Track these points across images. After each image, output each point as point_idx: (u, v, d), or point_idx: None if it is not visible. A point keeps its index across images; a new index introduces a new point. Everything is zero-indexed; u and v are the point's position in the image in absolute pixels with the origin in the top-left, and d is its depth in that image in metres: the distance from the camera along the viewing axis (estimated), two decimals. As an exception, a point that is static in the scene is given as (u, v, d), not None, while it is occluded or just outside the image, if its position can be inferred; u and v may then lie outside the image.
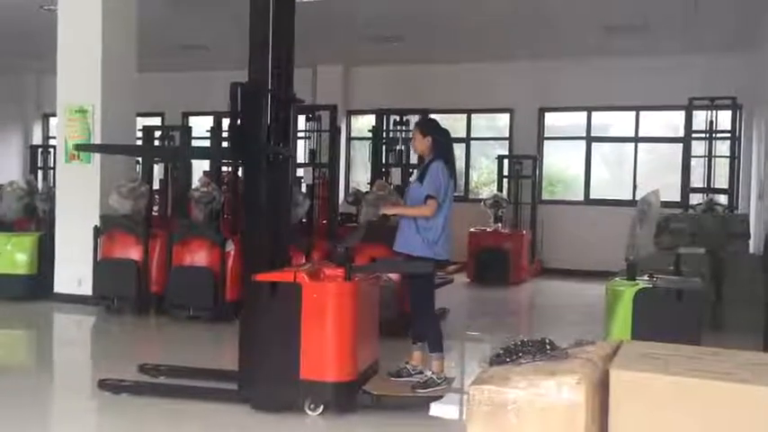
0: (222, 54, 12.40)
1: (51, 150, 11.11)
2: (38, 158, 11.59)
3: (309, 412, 4.34)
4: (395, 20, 9.86)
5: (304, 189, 8.15)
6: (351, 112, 13.36)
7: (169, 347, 6.61)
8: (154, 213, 8.30)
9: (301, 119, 8.29)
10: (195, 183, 8.21)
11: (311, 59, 12.71)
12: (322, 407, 4.35)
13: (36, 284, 8.11)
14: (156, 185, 8.49)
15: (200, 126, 10.75)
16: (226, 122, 8.59)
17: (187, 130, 8.89)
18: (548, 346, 2.70)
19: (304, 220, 7.74)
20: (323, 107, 8.41)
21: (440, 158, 4.87)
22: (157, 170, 8.71)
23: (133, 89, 8.42)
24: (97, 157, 7.95)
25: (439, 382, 4.76)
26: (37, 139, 15.07)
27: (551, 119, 12.48)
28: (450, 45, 11.25)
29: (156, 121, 13.11)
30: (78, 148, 7.77)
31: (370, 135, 9.69)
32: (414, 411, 4.64)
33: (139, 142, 8.66)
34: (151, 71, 10.56)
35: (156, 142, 8.71)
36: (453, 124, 13.28)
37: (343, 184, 11.54)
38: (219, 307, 7.19)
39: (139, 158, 8.89)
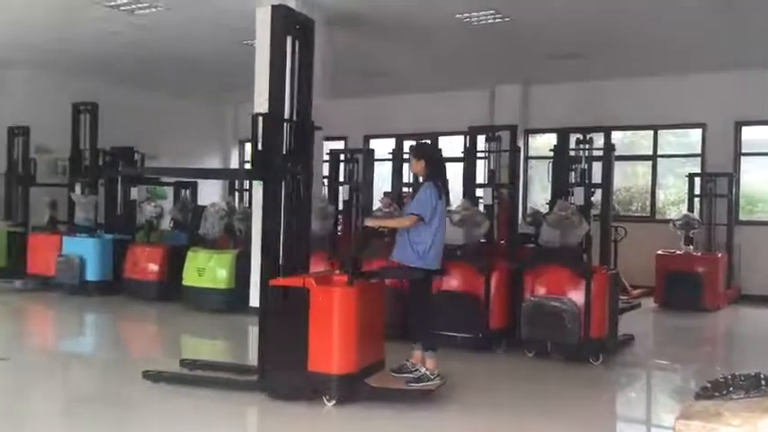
0: (402, 79, 12.80)
1: (247, 173, 11.98)
2: (235, 181, 12.54)
3: (327, 403, 4.90)
4: (577, 36, 9.63)
5: (482, 209, 8.13)
6: (529, 131, 13.18)
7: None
8: (339, 233, 8.67)
9: (480, 139, 8.30)
10: (377, 203, 8.51)
11: (489, 80, 12.76)
12: (336, 398, 4.88)
13: (233, 298, 8.75)
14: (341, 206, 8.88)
15: (382, 148, 11.09)
16: (407, 144, 8.90)
17: (369, 153, 9.21)
18: (763, 382, 2.47)
19: (483, 240, 7.71)
20: (502, 127, 8.38)
21: (430, 180, 5.39)
22: (342, 191, 9.12)
23: (319, 116, 8.86)
24: (288, 179, 8.45)
25: (432, 378, 5.25)
26: (234, 163, 16.36)
27: (749, 133, 11.51)
28: (636, 59, 10.78)
29: (340, 144, 13.73)
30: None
31: (548, 154, 9.48)
32: (413, 404, 5.09)
33: (326, 165, 9.11)
34: (335, 97, 11.10)
35: (342, 165, 9.13)
36: (638, 141, 12.70)
37: (520, 204, 11.38)
38: (402, 325, 7.33)
39: (324, 180, 9.33)
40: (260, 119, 5.20)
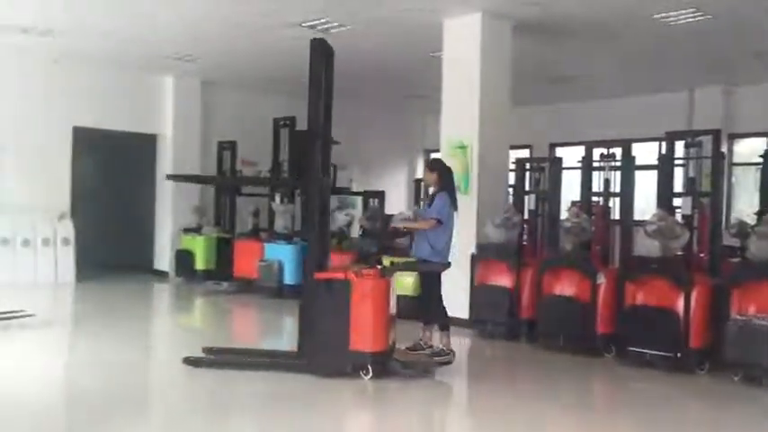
0: (591, 84, 12.38)
1: (432, 183, 12.16)
2: (421, 190, 12.77)
3: (364, 377, 5.73)
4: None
5: (680, 219, 7.63)
6: (733, 136, 12.18)
7: (540, 375, 6.72)
8: (524, 243, 8.53)
9: (678, 145, 7.81)
10: (564, 213, 8.26)
11: (686, 82, 11.99)
12: (371, 372, 5.74)
13: (420, 305, 8.87)
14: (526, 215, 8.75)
15: (569, 156, 10.76)
16: (597, 152, 8.60)
17: (556, 161, 8.98)
18: None
19: (680, 253, 7.23)
20: (704, 132, 7.81)
21: (444, 190, 6.58)
22: (527, 200, 8.98)
23: (507, 124, 8.85)
24: (474, 188, 8.48)
25: (448, 352, 6.49)
26: (420, 172, 16.66)
27: None
28: None
29: (525, 153, 13.54)
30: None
31: (756, 160, 8.73)
32: (428, 377, 6.16)
33: (512, 174, 9.02)
34: (520, 104, 10.98)
35: (527, 174, 8.99)
36: None
37: (723, 214, 10.55)
38: (590, 339, 7.09)
39: (510, 189, 9.22)
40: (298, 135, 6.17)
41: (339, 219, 10.91)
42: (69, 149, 11.79)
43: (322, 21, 8.94)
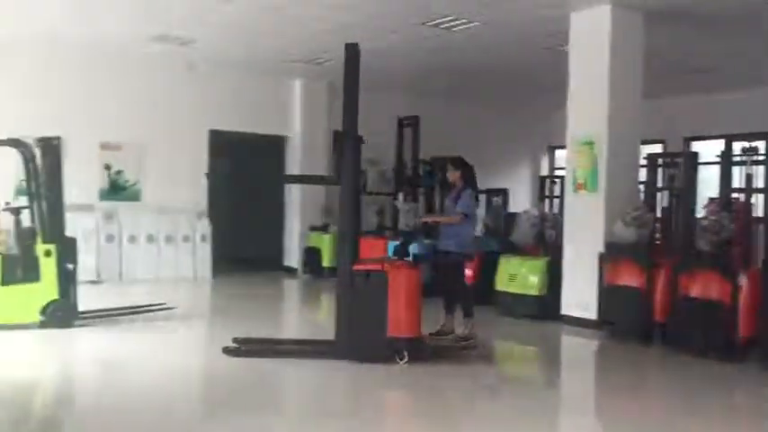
0: (730, 74, 11.67)
1: (557, 180, 11.88)
2: (545, 188, 12.52)
3: (399, 362, 6.04)
4: None
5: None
6: None
7: (673, 380, 6.43)
8: (657, 241, 8.18)
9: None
10: (700, 211, 7.85)
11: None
12: (407, 356, 6.07)
13: (544, 305, 8.74)
14: (659, 213, 8.37)
15: (705, 151, 10.21)
16: (737, 146, 8.11)
17: (692, 156, 8.52)
18: None
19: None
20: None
21: (469, 187, 7.18)
22: (660, 198, 8.59)
23: (637, 118, 8.51)
24: (602, 185, 8.22)
25: (472, 338, 7.00)
26: (544, 170, 16.35)
27: None
28: None
29: (657, 148, 12.95)
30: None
31: None
32: (453, 362, 6.45)
33: (643, 171, 8.67)
34: (651, 97, 10.50)
35: (660, 169, 8.60)
36: None
37: None
38: (730, 344, 6.70)
39: (641, 186, 8.87)
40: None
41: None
42: (206, 151, 12.47)
43: (449, 18, 8.95)
